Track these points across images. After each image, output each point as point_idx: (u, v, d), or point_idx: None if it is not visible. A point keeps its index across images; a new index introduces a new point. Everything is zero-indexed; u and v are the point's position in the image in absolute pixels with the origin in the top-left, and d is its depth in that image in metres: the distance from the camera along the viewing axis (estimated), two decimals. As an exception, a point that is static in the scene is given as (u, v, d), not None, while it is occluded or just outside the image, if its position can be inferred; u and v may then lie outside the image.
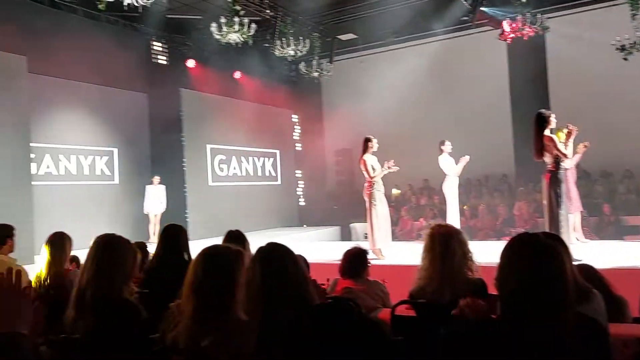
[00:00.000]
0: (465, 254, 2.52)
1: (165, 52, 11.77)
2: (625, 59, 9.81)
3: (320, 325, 1.69)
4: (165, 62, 11.74)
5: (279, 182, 13.93)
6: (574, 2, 11.53)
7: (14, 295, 1.39)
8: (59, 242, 3.49)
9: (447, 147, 8.11)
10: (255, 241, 4.18)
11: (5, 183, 7.82)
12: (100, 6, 7.67)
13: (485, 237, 10.24)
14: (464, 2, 10.02)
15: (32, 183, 8.45)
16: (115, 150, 10.86)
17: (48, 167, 9.67)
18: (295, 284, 1.92)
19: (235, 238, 3.49)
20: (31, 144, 8.55)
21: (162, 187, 10.63)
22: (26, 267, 4.14)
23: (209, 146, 11.72)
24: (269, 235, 10.59)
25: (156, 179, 10.63)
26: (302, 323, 1.72)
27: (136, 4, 7.45)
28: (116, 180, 10.88)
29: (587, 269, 2.93)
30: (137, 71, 10.83)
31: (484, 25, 11.02)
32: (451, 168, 8.03)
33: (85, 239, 3.44)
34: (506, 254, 1.61)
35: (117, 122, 10.85)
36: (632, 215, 10.14)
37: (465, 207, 12.39)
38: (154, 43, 11.53)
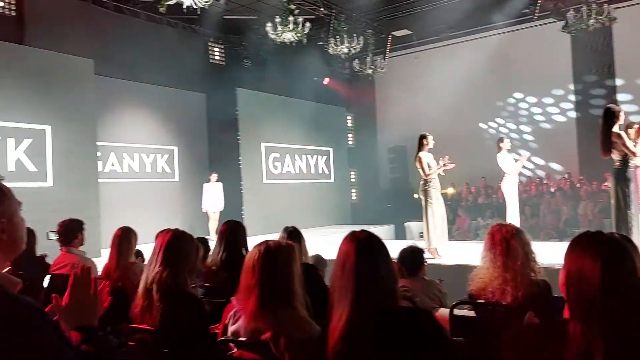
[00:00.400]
0: (528, 254, 2.44)
1: (222, 53, 12.06)
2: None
3: (403, 328, 1.70)
4: (222, 63, 12.02)
5: (332, 179, 13.97)
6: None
7: (87, 290, 1.46)
8: (125, 237, 3.64)
9: (506, 144, 7.86)
10: (309, 238, 4.23)
11: (74, 180, 8.25)
12: (161, 9, 7.96)
13: (547, 238, 9.87)
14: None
15: (99, 180, 8.87)
16: (176, 149, 11.24)
17: (113, 164, 10.13)
18: (388, 278, 1.81)
19: (291, 234, 3.54)
20: (97, 143, 8.98)
21: (219, 185, 10.71)
22: (94, 260, 4.38)
23: (263, 144, 11.91)
24: (322, 233, 10.65)
25: (213, 176, 10.70)
26: (389, 322, 1.71)
27: (195, 6, 7.67)
28: (176, 178, 11.26)
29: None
30: (195, 72, 11.15)
31: (547, 17, 10.59)
32: (510, 166, 7.79)
33: (148, 234, 3.59)
34: (572, 253, 1.53)
35: (177, 121, 11.24)
36: None
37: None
38: (212, 44, 11.83)
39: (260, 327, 2.04)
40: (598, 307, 1.39)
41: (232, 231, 3.59)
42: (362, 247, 1.81)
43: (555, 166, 11.86)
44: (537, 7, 9.60)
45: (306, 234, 3.97)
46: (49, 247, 4.66)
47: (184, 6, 7.63)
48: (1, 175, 1.42)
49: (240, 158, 11.09)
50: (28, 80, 7.83)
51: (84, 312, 1.43)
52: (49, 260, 4.33)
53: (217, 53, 11.98)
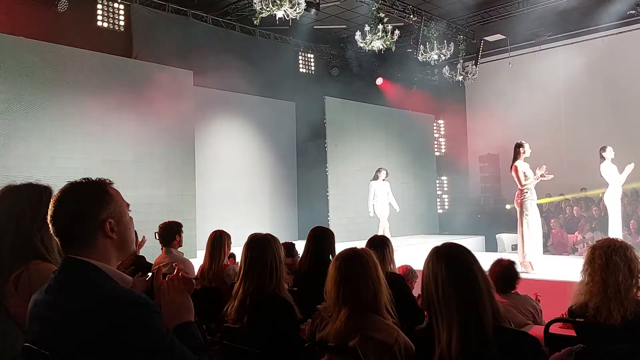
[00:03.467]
0: (633, 271, 2.26)
1: (311, 62, 12.33)
2: None
3: (511, 351, 1.65)
4: (311, 72, 12.30)
5: (418, 187, 13.71)
6: None
7: (183, 289, 1.54)
8: (218, 240, 3.83)
9: (610, 153, 7.33)
10: (399, 246, 4.20)
11: (175, 184, 8.79)
12: (255, 21, 8.28)
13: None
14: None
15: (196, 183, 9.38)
16: (263, 157, 11.59)
17: (209, 170, 10.66)
18: (486, 292, 1.75)
19: (378, 243, 3.54)
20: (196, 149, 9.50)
21: (387, 184, 9.79)
22: (191, 261, 4.64)
23: (354, 154, 11.95)
24: (408, 242, 10.52)
25: (382, 172, 9.77)
26: (500, 342, 1.66)
27: (287, 17, 7.91)
28: (267, 184, 11.62)
29: None
30: (286, 81, 11.49)
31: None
32: (614, 177, 7.25)
33: (239, 235, 3.75)
34: None
35: (268, 128, 11.62)
36: None
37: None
38: (302, 54, 12.14)
39: (346, 332, 2.07)
40: None
41: (320, 237, 3.66)
42: (448, 262, 1.77)
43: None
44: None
45: (394, 242, 3.95)
46: (150, 247, 4.98)
47: (277, 18, 7.90)
48: (109, 179, 1.53)
49: (327, 165, 11.23)
50: (134, 92, 8.44)
51: (178, 311, 1.49)
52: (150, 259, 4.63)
53: (306, 62, 12.27)
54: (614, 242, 2.26)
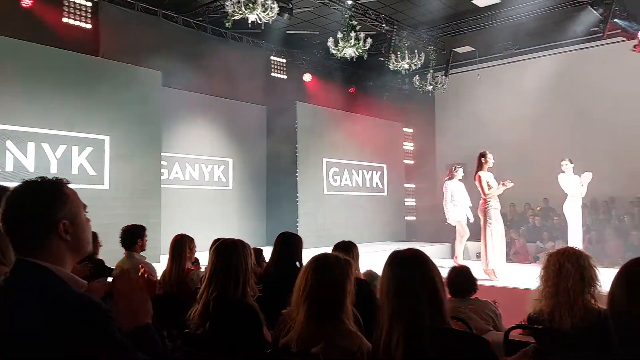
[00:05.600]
0: (585, 278, 2.32)
1: (284, 67, 12.32)
2: None
3: (458, 352, 1.70)
4: (283, 76, 12.28)
5: (385, 194, 13.84)
6: None
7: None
8: (180, 244, 3.76)
9: (569, 165, 7.57)
10: (365, 252, 4.22)
11: (137, 186, 8.60)
12: (227, 24, 8.23)
13: (612, 264, 9.34)
14: (594, 12, 9.31)
15: (162, 186, 9.22)
16: (231, 161, 11.48)
17: (177, 173, 10.51)
18: (437, 297, 1.80)
19: (346, 248, 3.54)
20: (163, 153, 9.33)
21: (462, 185, 8.32)
22: (154, 265, 4.54)
23: (325, 159, 11.98)
24: (375, 249, 10.57)
25: (459, 171, 8.35)
26: (445, 344, 1.71)
27: (259, 22, 7.90)
28: (230, 186, 11.51)
29: None
30: (257, 85, 11.44)
31: (616, 36, 10.14)
32: (573, 187, 7.47)
33: (205, 240, 3.69)
34: (620, 282, 1.45)
35: (237, 132, 11.54)
36: None
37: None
38: (274, 58, 12.12)
39: (310, 339, 2.06)
40: None
41: (287, 243, 3.64)
42: (406, 264, 1.81)
43: (622, 189, 11.24)
44: (607, 26, 9.20)
45: (360, 248, 3.97)
46: (113, 251, 4.86)
47: (249, 21, 7.87)
48: (66, 179, 1.47)
49: (297, 171, 11.22)
50: (100, 91, 8.24)
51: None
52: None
53: (278, 67, 12.25)
54: (568, 249, 2.32)
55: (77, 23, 8.86)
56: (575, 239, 7.42)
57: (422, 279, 1.80)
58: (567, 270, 2.20)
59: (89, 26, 8.98)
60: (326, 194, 11.93)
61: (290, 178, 11.19)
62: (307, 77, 12.28)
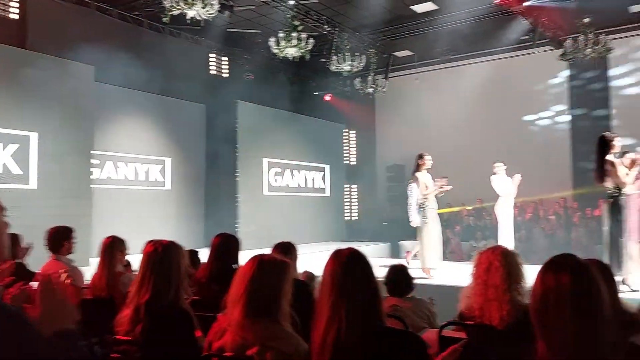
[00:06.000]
0: (512, 275, 2.42)
1: (225, 65, 12.12)
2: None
3: (390, 349, 1.71)
4: (223, 75, 12.08)
5: (328, 194, 13.94)
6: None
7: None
8: (113, 246, 3.61)
9: (501, 167, 7.90)
10: (303, 254, 4.21)
11: (66, 186, 8.19)
12: (165, 19, 8.01)
13: (539, 261, 9.82)
14: (525, 21, 9.78)
15: (92, 186, 8.83)
16: (168, 160, 11.19)
17: (109, 172, 10.11)
18: (373, 296, 1.83)
19: (284, 249, 3.51)
20: (94, 151, 8.95)
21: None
22: (83, 269, 4.33)
23: (265, 159, 11.90)
24: (316, 249, 10.60)
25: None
26: (377, 342, 1.72)
27: (199, 18, 7.73)
28: (167, 187, 11.21)
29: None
30: (196, 83, 11.19)
31: (545, 44, 10.72)
32: (504, 189, 7.80)
33: (140, 242, 3.55)
34: (541, 277, 1.52)
35: (175, 130, 11.24)
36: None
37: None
38: (214, 56, 11.90)
39: (245, 341, 2.02)
40: (562, 331, 1.38)
41: (224, 244, 3.56)
42: (346, 264, 1.82)
43: (550, 191, 11.89)
44: (536, 35, 9.70)
45: (301, 249, 3.95)
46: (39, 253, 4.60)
47: (188, 17, 7.69)
48: None
49: (237, 171, 11.07)
50: (28, 85, 7.82)
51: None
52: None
53: (218, 65, 12.04)
54: (497, 248, 2.41)
55: (2, 13, 8.34)
56: (505, 238, 7.75)
57: (359, 279, 1.83)
58: (496, 267, 2.28)
59: (16, 17, 8.49)
60: (267, 194, 11.85)
61: (230, 178, 11.03)
62: (248, 76, 12.14)
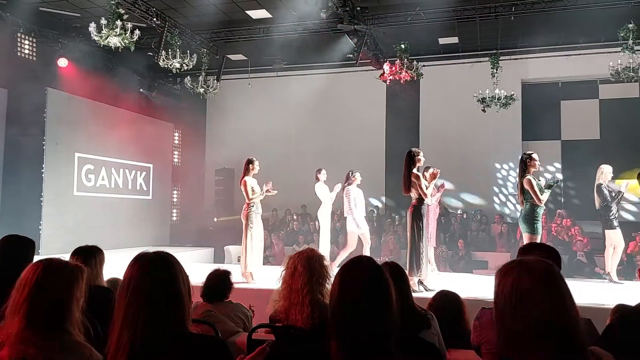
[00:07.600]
0: (315, 278, 2.52)
1: (34, 47, 10.76)
2: (483, 111, 11.10)
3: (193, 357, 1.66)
4: (32, 58, 10.72)
5: (150, 197, 13.21)
6: (447, 55, 12.67)
7: None
8: None
9: (323, 175, 8.32)
10: (120, 259, 3.87)
11: None
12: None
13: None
14: (350, 41, 10.46)
15: None
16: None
17: None
18: (176, 302, 1.73)
19: (86, 253, 3.20)
20: None
21: (361, 192, 8.11)
22: None
23: (77, 154, 10.81)
24: (134, 254, 9.95)
25: (356, 175, 7.98)
26: (178, 350, 1.66)
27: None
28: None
29: (446, 296, 3.15)
30: (-3, 63, 9.75)
31: (367, 64, 11.60)
32: (326, 195, 8.22)
33: None
34: (339, 279, 1.61)
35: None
36: (481, 251, 11.22)
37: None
38: (21, 35, 10.50)
39: (26, 356, 1.77)
40: (354, 329, 1.47)
41: (12, 247, 3.12)
42: (146, 267, 1.72)
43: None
44: (359, 54, 10.44)
45: (118, 253, 3.66)
46: None
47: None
48: None
49: (43, 166, 9.88)
50: None
51: None
52: None
53: (27, 46, 10.64)
54: (304, 252, 2.51)
55: None
56: (324, 242, 8.14)
57: (160, 283, 1.72)
58: (300, 271, 2.37)
59: None
60: (77, 194, 10.76)
61: (34, 174, 9.79)
62: (62, 62, 10.93)
